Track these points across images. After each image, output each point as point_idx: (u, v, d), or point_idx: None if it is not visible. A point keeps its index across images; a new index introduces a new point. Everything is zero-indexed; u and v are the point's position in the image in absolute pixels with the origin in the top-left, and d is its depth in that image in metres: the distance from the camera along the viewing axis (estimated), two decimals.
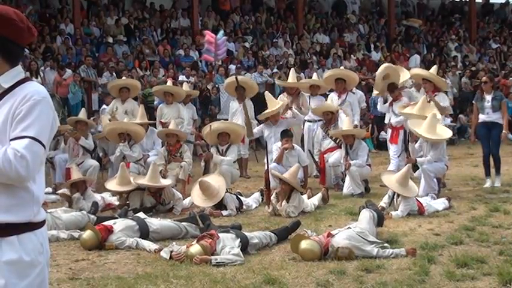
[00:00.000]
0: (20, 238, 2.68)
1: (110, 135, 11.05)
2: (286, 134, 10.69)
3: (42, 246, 2.77)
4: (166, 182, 9.28)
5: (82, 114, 11.77)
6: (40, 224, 2.78)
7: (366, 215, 7.25)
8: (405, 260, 6.34)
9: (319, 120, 12.10)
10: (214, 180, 9.10)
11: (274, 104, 11.78)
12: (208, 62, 18.01)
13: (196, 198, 9.03)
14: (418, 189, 9.22)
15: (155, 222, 7.54)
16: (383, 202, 8.82)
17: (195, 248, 6.45)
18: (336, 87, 12.27)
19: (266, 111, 11.80)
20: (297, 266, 6.25)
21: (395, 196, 8.80)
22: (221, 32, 17.07)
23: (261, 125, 11.91)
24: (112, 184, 9.46)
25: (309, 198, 9.38)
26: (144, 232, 7.29)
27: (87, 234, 7.07)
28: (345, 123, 10.86)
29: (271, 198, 8.85)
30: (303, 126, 12.54)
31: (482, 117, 11.13)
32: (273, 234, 7.22)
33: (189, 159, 10.81)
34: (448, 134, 10.48)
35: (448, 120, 19.08)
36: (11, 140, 2.61)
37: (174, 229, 7.58)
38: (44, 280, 2.77)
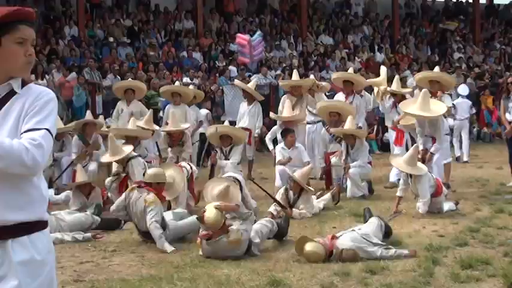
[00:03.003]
0: (31, 238, 2.72)
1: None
2: (288, 131, 10.72)
3: (50, 245, 2.82)
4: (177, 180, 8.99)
5: (88, 116, 11.80)
6: (47, 224, 2.83)
7: (374, 221, 7.20)
8: (410, 262, 6.33)
9: (318, 122, 12.08)
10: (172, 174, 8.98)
11: (290, 111, 11.75)
12: (244, 64, 18.02)
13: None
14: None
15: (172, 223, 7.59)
16: (399, 190, 8.93)
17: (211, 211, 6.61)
18: (344, 89, 12.24)
19: (280, 115, 11.79)
20: (302, 268, 6.25)
21: (410, 180, 8.85)
22: (257, 33, 17.09)
23: (275, 127, 11.83)
24: (106, 157, 9.68)
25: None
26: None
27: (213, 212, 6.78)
28: (347, 122, 10.83)
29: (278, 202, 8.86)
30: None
31: (508, 117, 11.19)
32: (273, 220, 7.28)
33: (189, 149, 11.02)
34: (443, 108, 10.31)
35: (451, 121, 19.08)
36: (24, 132, 2.64)
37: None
38: (53, 278, 2.81)
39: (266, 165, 12.84)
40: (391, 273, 5.98)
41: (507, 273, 5.70)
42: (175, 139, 10.99)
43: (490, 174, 12.62)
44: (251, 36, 16.20)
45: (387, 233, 7.26)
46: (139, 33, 19.98)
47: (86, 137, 11.13)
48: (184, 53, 19.61)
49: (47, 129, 2.66)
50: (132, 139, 10.70)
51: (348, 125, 10.68)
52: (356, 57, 21.95)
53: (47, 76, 15.58)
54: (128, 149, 9.51)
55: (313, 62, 20.97)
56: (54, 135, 2.73)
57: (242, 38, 16.11)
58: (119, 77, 16.49)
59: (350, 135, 10.57)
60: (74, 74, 16.03)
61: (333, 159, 10.88)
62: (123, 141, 10.49)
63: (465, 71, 22.48)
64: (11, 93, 2.76)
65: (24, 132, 2.64)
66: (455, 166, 12.74)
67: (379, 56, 22.98)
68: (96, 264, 6.53)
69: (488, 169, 13.48)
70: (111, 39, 18.89)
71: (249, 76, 18.10)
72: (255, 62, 17.14)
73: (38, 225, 2.75)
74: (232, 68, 18.75)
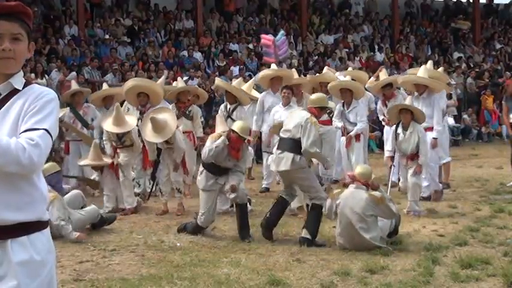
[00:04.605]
0: (31, 238, 2.71)
1: (129, 98, 10.68)
2: (284, 87, 10.67)
3: (50, 245, 2.80)
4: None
5: (74, 85, 11.69)
6: (47, 224, 2.81)
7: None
8: (409, 261, 6.34)
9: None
10: (165, 117, 9.11)
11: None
12: (269, 63, 17.98)
13: (148, 134, 9.08)
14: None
15: None
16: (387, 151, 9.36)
17: None
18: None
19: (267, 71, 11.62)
20: (301, 267, 6.25)
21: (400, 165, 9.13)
22: (281, 32, 17.11)
23: (262, 94, 11.45)
24: (108, 125, 9.39)
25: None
26: None
27: None
28: (347, 77, 10.80)
29: None
30: None
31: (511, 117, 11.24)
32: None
33: (200, 128, 10.88)
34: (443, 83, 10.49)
35: (452, 120, 19.09)
36: (23, 131, 2.63)
37: None
38: (52, 278, 2.80)
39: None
40: (390, 272, 5.98)
41: (507, 272, 5.71)
42: (183, 104, 10.65)
43: (490, 174, 12.63)
44: (274, 36, 16.19)
45: (392, 234, 7.27)
46: (139, 32, 20.00)
47: (77, 107, 11.10)
48: (185, 53, 19.63)
49: (45, 130, 2.64)
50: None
51: (346, 78, 10.81)
52: (356, 58, 21.95)
53: (46, 76, 15.57)
54: (133, 121, 9.42)
55: (313, 62, 20.97)
56: (54, 136, 2.71)
57: (266, 38, 16.12)
58: (119, 77, 16.49)
59: (347, 91, 10.61)
60: (73, 74, 16.02)
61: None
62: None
63: (465, 71, 22.49)
64: (13, 92, 2.75)
65: (23, 132, 2.63)
66: (455, 166, 12.74)
67: (379, 56, 22.98)
68: (96, 264, 6.53)
69: (488, 169, 13.49)
70: (107, 36, 18.89)
71: (249, 76, 18.09)
72: (280, 61, 17.10)
73: (38, 225, 2.74)
74: (234, 69, 18.74)
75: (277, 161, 7.47)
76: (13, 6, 2.75)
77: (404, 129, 8.97)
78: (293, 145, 7.29)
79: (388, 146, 9.55)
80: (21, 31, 2.75)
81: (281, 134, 7.58)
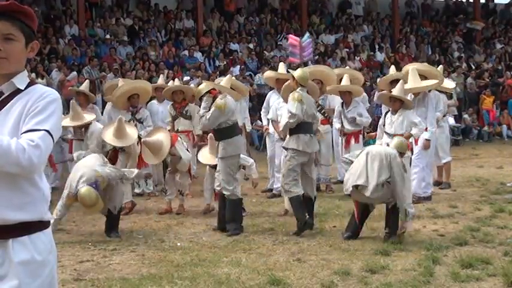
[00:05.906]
0: (32, 238, 2.71)
1: (119, 102, 10.65)
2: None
3: (51, 246, 2.80)
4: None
5: (84, 86, 11.58)
6: (48, 224, 2.81)
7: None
8: (410, 261, 6.35)
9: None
10: (158, 137, 9.11)
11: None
12: (294, 63, 18.02)
13: (147, 157, 9.13)
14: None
15: None
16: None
17: None
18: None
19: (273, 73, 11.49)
20: (302, 267, 6.26)
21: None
22: (307, 35, 17.22)
23: (269, 93, 11.48)
24: (109, 136, 9.15)
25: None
26: None
27: None
28: (344, 80, 10.83)
29: None
30: None
31: None
32: None
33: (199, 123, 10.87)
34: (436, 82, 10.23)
35: (453, 120, 19.07)
36: (23, 132, 2.62)
37: None
38: (53, 278, 2.80)
39: (267, 165, 12.80)
40: (391, 272, 5.99)
41: (507, 272, 5.71)
42: (179, 104, 10.71)
43: (490, 174, 12.63)
44: (300, 38, 16.30)
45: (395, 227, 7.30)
46: (140, 32, 20.01)
47: (81, 107, 11.01)
48: (185, 52, 19.63)
49: (46, 131, 2.62)
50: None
51: (344, 81, 10.80)
52: (356, 57, 21.95)
53: (47, 76, 15.57)
54: (134, 134, 9.33)
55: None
56: (56, 136, 2.69)
57: (293, 38, 16.24)
58: (120, 76, 16.49)
59: (346, 92, 10.73)
60: (74, 73, 16.03)
61: (322, 161, 10.84)
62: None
63: (465, 71, 22.49)
64: (16, 92, 2.73)
65: (24, 132, 2.61)
66: (456, 165, 12.74)
67: (380, 55, 22.98)
68: (97, 263, 6.53)
69: (489, 169, 13.49)
70: (107, 36, 18.90)
71: (250, 75, 18.11)
72: (303, 62, 17.19)
73: (39, 225, 2.74)
74: (234, 69, 18.75)
75: (313, 142, 8.07)
76: (4, 6, 2.70)
77: (393, 114, 8.97)
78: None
79: (378, 136, 9.44)
80: (13, 31, 2.69)
81: (306, 119, 8.00)
